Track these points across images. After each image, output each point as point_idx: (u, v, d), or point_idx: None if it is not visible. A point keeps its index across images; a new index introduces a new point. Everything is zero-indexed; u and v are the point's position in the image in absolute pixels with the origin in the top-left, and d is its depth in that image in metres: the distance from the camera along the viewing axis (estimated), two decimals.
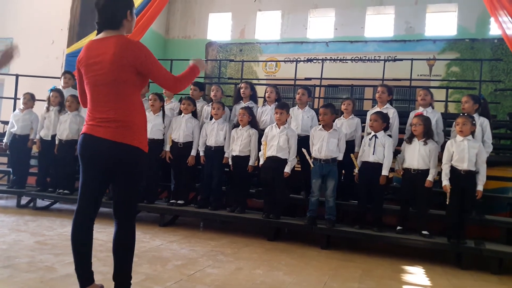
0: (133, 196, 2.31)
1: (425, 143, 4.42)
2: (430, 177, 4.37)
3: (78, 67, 2.33)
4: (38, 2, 9.60)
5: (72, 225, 2.27)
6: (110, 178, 2.28)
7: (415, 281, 3.57)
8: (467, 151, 4.17)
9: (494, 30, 8.97)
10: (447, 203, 4.19)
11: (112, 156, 2.19)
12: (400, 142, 4.93)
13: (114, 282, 2.25)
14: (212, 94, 5.76)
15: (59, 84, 6.45)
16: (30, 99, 6.24)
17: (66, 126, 5.71)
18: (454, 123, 4.46)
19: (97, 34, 2.32)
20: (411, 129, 4.56)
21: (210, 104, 5.65)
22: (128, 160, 2.22)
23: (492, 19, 7.36)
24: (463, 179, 4.16)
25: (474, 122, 4.29)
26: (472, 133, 4.27)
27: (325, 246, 4.53)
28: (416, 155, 4.41)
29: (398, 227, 4.45)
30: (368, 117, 4.91)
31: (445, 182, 4.22)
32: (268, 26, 11.39)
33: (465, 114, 4.42)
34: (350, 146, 4.93)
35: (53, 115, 5.91)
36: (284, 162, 4.75)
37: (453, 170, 4.23)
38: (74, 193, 5.77)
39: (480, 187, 4.17)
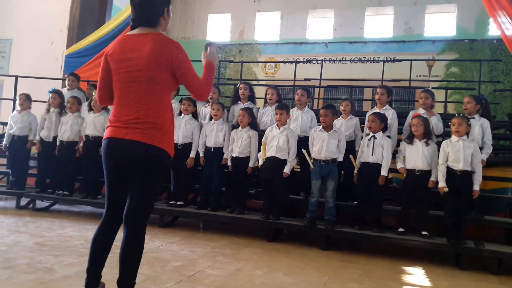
0: (152, 201, 2.22)
1: (427, 144, 4.43)
2: (433, 177, 4.36)
3: (106, 61, 2.19)
4: (37, 3, 9.61)
5: (98, 228, 2.20)
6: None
7: (414, 281, 3.57)
8: (462, 151, 4.17)
9: (493, 30, 9.00)
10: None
11: (139, 157, 2.08)
12: (399, 142, 4.92)
13: (118, 286, 2.16)
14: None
15: (59, 85, 6.44)
16: (26, 99, 6.21)
17: (68, 128, 5.70)
18: (450, 123, 4.46)
19: (131, 30, 2.21)
20: (412, 129, 4.55)
21: (207, 105, 5.64)
22: (156, 162, 2.12)
23: (491, 20, 7.37)
24: (459, 179, 4.17)
25: (469, 123, 4.30)
26: (467, 133, 4.28)
27: (325, 247, 4.52)
28: (420, 156, 4.40)
29: (400, 229, 4.43)
30: (366, 118, 4.91)
31: (442, 183, 4.22)
32: (267, 27, 11.42)
33: (461, 114, 4.42)
34: (349, 146, 4.93)
35: (54, 117, 5.90)
36: (283, 162, 4.75)
37: (449, 170, 4.23)
38: (74, 194, 5.77)
39: (476, 187, 4.18)
